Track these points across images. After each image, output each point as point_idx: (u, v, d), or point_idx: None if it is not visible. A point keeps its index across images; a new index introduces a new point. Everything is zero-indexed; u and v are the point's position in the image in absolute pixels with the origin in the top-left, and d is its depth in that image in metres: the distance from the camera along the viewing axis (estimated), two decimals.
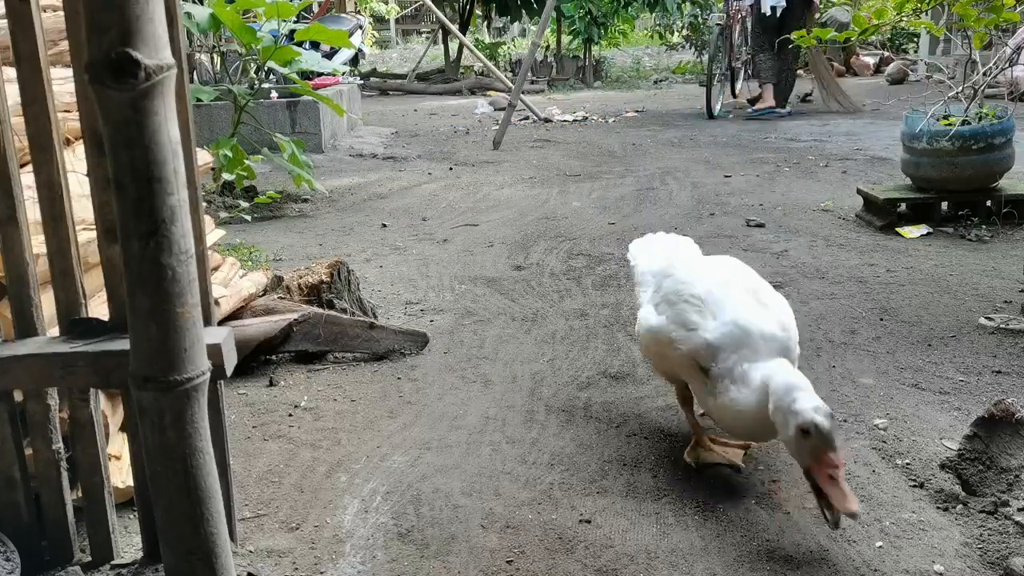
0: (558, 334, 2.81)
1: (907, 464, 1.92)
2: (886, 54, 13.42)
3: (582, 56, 13.53)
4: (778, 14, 7.96)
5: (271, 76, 6.30)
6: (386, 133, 8.06)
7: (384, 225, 4.45)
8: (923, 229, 3.93)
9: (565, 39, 13.83)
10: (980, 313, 2.86)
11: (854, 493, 1.54)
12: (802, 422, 1.55)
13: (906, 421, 2.13)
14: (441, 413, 2.26)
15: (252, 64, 5.82)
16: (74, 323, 1.53)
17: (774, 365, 1.70)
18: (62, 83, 1.87)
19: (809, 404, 1.57)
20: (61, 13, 1.47)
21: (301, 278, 2.79)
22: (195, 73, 6.61)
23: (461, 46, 12.28)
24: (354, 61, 9.10)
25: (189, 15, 4.34)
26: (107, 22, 0.96)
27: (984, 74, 3.92)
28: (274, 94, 6.38)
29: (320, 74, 7.00)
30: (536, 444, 2.08)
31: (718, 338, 1.77)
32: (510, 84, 8.92)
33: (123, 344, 1.44)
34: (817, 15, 8.35)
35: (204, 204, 2.02)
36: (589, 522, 1.74)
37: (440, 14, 11.24)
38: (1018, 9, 3.46)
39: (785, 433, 1.60)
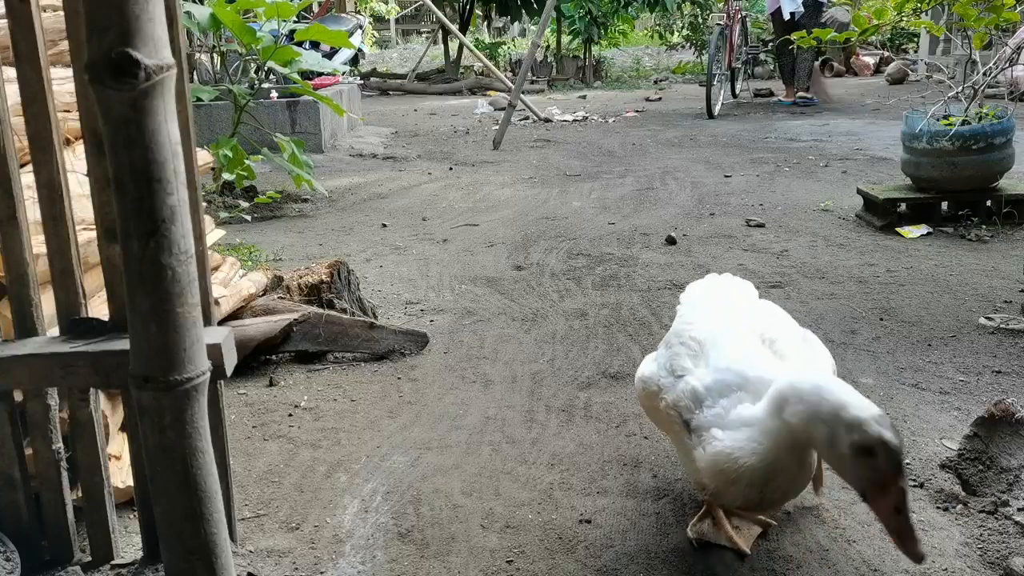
0: (558, 334, 2.81)
1: (907, 464, 1.92)
2: (886, 54, 13.41)
3: (582, 56, 13.53)
4: (796, 18, 8.38)
5: (271, 76, 6.29)
6: (386, 133, 8.06)
7: (384, 225, 4.45)
8: (923, 229, 3.93)
9: (565, 39, 13.83)
10: (980, 313, 2.86)
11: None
12: (864, 438, 1.20)
13: (906, 421, 2.13)
14: (441, 413, 2.26)
15: (252, 64, 5.81)
16: (74, 323, 1.53)
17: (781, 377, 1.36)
18: (62, 83, 1.86)
19: (868, 412, 1.22)
20: (61, 13, 1.47)
21: (301, 278, 2.79)
22: (195, 73, 6.60)
23: (461, 46, 12.28)
24: (354, 61, 9.10)
25: (189, 15, 4.33)
26: (107, 22, 0.96)
27: (984, 74, 3.92)
28: (274, 94, 6.37)
29: (320, 74, 7.00)
30: (536, 444, 2.08)
31: (707, 385, 1.46)
32: (510, 84, 8.91)
33: (123, 344, 1.44)
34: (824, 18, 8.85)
35: (204, 204, 2.02)
36: (589, 522, 1.74)
37: (440, 14, 11.23)
38: (1018, 9, 3.46)
39: (831, 451, 1.25)
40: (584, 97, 10.89)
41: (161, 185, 1.01)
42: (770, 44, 10.50)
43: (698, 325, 1.60)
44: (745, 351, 1.49)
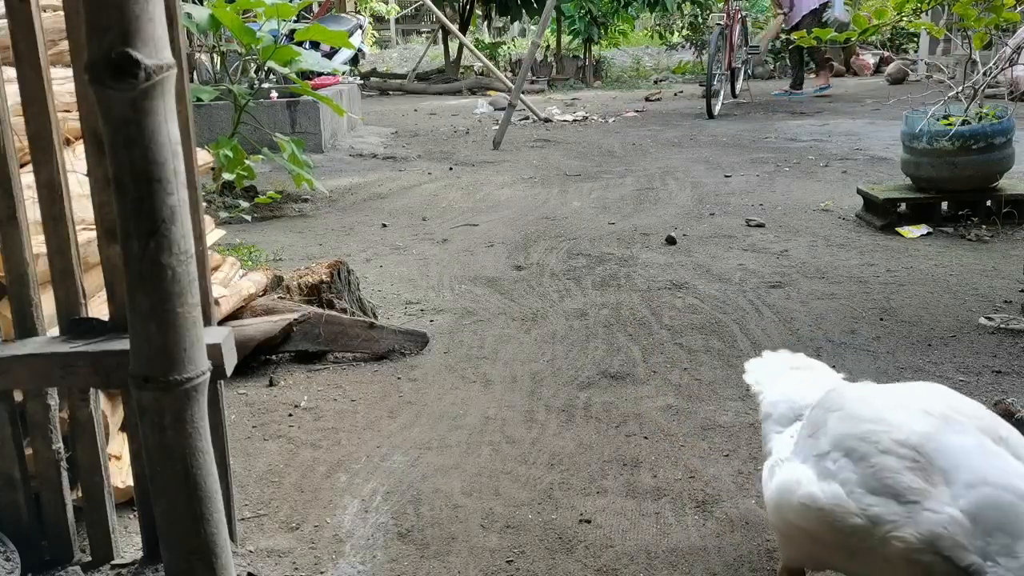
0: (558, 334, 2.81)
1: None
2: (886, 54, 13.41)
3: (582, 56, 13.52)
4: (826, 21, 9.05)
5: (271, 76, 6.29)
6: (386, 133, 8.06)
7: (384, 225, 4.45)
8: (923, 229, 3.92)
9: (565, 39, 13.82)
10: (980, 313, 2.86)
11: None
12: None
13: None
14: (441, 413, 2.26)
15: (252, 64, 5.81)
16: (74, 323, 1.53)
17: None
18: (62, 83, 1.86)
19: None
20: (61, 13, 1.47)
21: (301, 278, 2.79)
22: (195, 73, 6.60)
23: (461, 46, 12.28)
24: (354, 61, 9.09)
25: (189, 15, 4.34)
26: (107, 22, 0.96)
27: (984, 74, 3.92)
28: (274, 94, 6.37)
29: (320, 74, 7.00)
30: (536, 444, 2.08)
31: (968, 510, 1.06)
32: (510, 84, 8.91)
33: (123, 344, 1.44)
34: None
35: (204, 204, 2.03)
36: (589, 522, 1.74)
37: (440, 14, 11.23)
38: (1018, 9, 3.46)
39: None
40: (575, 100, 10.82)
41: (161, 185, 1.02)
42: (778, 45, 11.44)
43: (892, 422, 1.17)
44: (986, 453, 1.11)
